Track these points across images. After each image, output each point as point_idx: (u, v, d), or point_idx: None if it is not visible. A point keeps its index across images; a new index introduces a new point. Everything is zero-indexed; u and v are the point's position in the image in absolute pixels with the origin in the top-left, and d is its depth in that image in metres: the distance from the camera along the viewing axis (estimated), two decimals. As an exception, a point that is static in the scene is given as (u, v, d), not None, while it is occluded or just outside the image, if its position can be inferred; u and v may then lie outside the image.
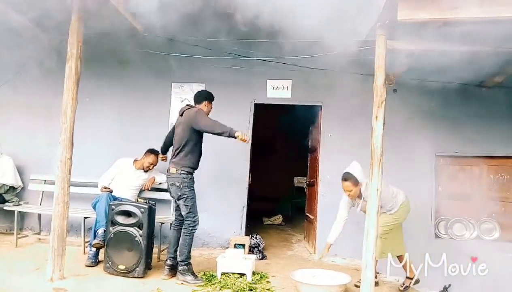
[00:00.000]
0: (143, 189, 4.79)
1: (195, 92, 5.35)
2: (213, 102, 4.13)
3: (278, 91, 5.38)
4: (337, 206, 5.01)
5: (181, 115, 3.97)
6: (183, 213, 3.80)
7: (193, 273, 3.78)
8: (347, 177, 3.85)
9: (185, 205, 3.77)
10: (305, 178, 6.33)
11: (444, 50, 3.64)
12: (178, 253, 3.81)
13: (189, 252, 3.82)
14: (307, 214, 5.95)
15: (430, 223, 5.01)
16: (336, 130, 5.23)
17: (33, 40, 5.43)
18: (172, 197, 3.96)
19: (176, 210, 4.00)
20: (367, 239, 3.33)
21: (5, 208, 4.99)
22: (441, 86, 4.96)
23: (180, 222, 3.92)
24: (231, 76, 5.32)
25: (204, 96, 4.09)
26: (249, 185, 5.40)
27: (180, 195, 3.78)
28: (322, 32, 4.61)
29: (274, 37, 4.73)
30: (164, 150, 4.50)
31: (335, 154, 5.18)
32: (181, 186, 3.76)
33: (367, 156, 3.50)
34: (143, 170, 4.73)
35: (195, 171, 3.89)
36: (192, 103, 4.19)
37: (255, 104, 5.40)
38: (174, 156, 3.88)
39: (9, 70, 5.68)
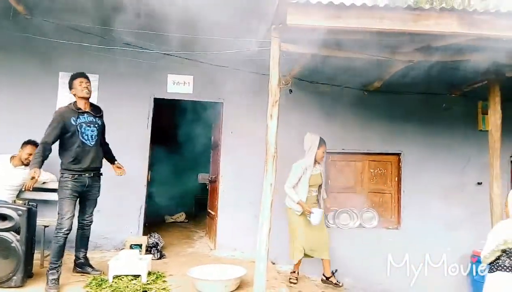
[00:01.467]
0: (23, 189, 4.30)
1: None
2: (84, 82, 3.80)
3: (179, 86, 5.29)
4: (238, 202, 5.17)
5: None
6: None
7: (53, 281, 3.43)
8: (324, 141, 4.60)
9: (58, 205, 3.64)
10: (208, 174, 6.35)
11: (331, 56, 3.97)
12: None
13: (55, 257, 3.51)
14: (209, 210, 5.98)
15: (321, 214, 5.43)
16: (237, 127, 5.34)
17: None
18: None
19: None
20: (261, 232, 3.48)
21: None
22: (330, 89, 5.41)
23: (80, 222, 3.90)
24: (128, 68, 5.05)
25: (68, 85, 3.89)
26: (150, 183, 5.21)
27: None
28: (224, 30, 4.70)
29: (176, 31, 4.64)
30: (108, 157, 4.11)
31: (236, 151, 5.30)
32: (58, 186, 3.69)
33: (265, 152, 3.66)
34: (23, 166, 4.24)
35: (72, 171, 3.65)
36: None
37: (155, 99, 5.23)
38: None
39: None
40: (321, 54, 3.85)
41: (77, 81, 3.76)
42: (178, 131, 7.78)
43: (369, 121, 5.60)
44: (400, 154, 5.72)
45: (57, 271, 3.49)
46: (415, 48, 3.91)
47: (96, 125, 3.80)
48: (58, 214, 3.56)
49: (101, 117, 3.91)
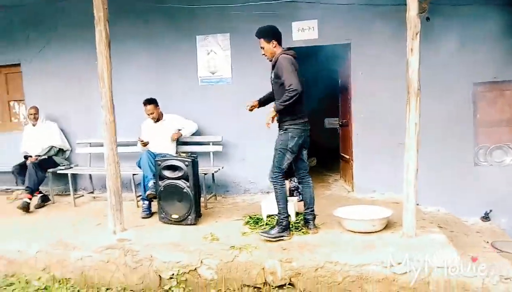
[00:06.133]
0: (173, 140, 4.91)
1: (220, 44, 5.40)
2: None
3: (304, 32, 5.24)
4: (373, 144, 5.08)
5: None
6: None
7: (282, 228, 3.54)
8: None
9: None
10: (337, 118, 6.33)
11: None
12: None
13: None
14: (342, 154, 6.03)
15: (469, 151, 4.97)
16: (368, 67, 5.10)
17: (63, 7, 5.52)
18: (305, 148, 3.65)
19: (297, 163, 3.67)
20: (407, 172, 3.40)
21: (58, 171, 5.34)
22: (476, 9, 4.70)
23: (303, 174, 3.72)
24: (254, 23, 5.15)
25: (270, 33, 3.59)
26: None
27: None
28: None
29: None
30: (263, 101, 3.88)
31: (367, 91, 5.12)
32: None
33: (402, 90, 3.49)
34: (159, 121, 4.91)
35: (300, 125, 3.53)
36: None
37: (283, 48, 5.30)
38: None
39: (42, 38, 5.80)
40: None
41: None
42: (303, 78, 7.82)
43: (528, 41, 4.73)
44: None
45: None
46: None
47: None
48: (280, 167, 3.49)
49: None
